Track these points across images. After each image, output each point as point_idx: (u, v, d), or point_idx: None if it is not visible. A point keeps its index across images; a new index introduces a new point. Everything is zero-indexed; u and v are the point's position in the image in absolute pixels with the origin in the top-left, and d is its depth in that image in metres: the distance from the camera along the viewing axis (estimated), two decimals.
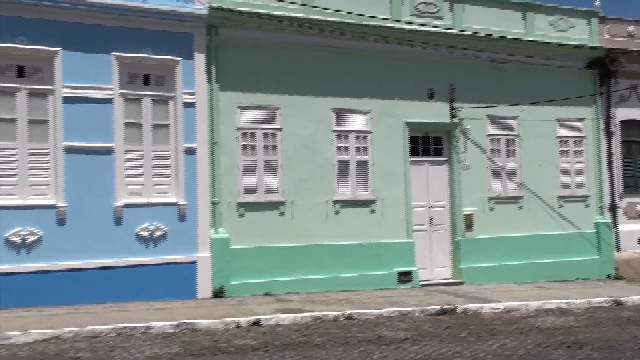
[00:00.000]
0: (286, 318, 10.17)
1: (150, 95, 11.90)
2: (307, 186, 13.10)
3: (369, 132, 13.78)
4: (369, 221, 13.62)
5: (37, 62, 11.01)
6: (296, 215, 12.98)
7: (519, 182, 15.22)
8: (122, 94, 11.61)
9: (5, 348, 8.15)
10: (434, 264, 14.43)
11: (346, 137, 13.59)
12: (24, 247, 10.78)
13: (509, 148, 15.22)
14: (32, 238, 10.82)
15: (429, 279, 14.20)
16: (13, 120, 10.85)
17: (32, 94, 11.01)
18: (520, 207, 15.18)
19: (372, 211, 13.68)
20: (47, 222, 10.95)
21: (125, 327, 9.14)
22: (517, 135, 15.30)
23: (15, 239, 10.70)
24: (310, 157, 13.18)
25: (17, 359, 7.64)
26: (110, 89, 11.45)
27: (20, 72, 10.95)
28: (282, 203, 12.89)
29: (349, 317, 10.50)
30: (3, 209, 10.64)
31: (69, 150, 11.12)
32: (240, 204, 12.56)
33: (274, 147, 12.94)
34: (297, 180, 13.03)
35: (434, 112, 14.46)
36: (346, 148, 13.57)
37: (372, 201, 13.68)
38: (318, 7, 13.12)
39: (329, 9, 13.03)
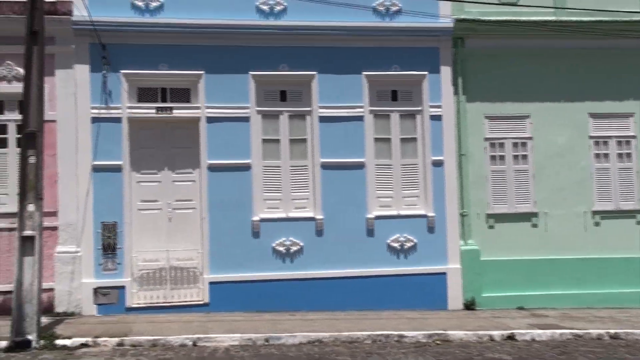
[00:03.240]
0: (542, 334, 9.74)
1: (398, 111, 12.28)
2: (562, 196, 12.44)
3: (633, 137, 12.68)
4: (634, 233, 12.49)
5: (296, 87, 11.99)
6: (550, 227, 12.38)
7: None
8: (372, 111, 12.13)
9: (276, 348, 8.96)
10: None
11: (605, 143, 12.66)
12: (287, 256, 11.74)
13: None
14: (294, 248, 11.75)
15: None
16: (277, 141, 11.94)
17: (293, 116, 12.02)
18: None
19: (639, 222, 12.51)
20: (306, 233, 11.80)
21: (380, 335, 9.49)
22: None
23: (281, 248, 11.71)
24: (564, 165, 12.51)
25: (286, 358, 8.34)
26: (361, 107, 12.03)
27: (283, 96, 12.03)
28: (534, 214, 12.40)
29: (614, 337, 9.73)
30: (270, 222, 11.71)
31: (325, 166, 11.89)
32: (489, 215, 12.35)
33: (524, 156, 12.52)
34: (550, 190, 12.45)
35: None
36: (606, 155, 12.63)
37: (639, 212, 12.53)
38: (571, 9, 12.43)
39: (583, 9, 12.29)
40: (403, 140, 12.25)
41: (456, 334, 9.61)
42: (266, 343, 9.16)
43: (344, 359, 8.30)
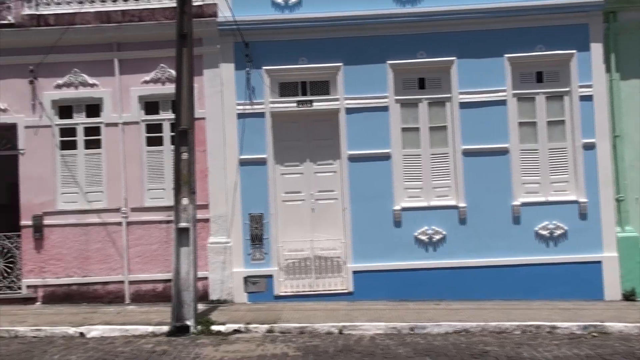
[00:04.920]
0: None
1: (544, 93, 11.73)
2: None
3: None
4: None
5: (435, 73, 11.79)
6: None
7: None
8: (515, 94, 11.68)
9: (421, 337, 8.90)
10: None
11: None
12: (430, 245, 11.61)
13: None
14: (437, 237, 11.59)
15: None
16: (416, 129, 11.81)
17: (432, 103, 11.84)
18: None
19: None
20: (449, 221, 11.61)
21: (530, 325, 9.16)
22: None
23: (423, 237, 11.60)
24: None
25: (432, 347, 8.26)
26: (504, 90, 11.61)
27: (421, 83, 11.87)
28: None
29: None
30: (411, 210, 11.62)
31: (467, 153, 11.61)
32: None
33: None
34: None
35: None
36: None
37: None
38: None
39: None
40: (550, 123, 11.70)
41: (615, 325, 9.06)
42: (411, 332, 9.12)
43: (492, 349, 8.08)
